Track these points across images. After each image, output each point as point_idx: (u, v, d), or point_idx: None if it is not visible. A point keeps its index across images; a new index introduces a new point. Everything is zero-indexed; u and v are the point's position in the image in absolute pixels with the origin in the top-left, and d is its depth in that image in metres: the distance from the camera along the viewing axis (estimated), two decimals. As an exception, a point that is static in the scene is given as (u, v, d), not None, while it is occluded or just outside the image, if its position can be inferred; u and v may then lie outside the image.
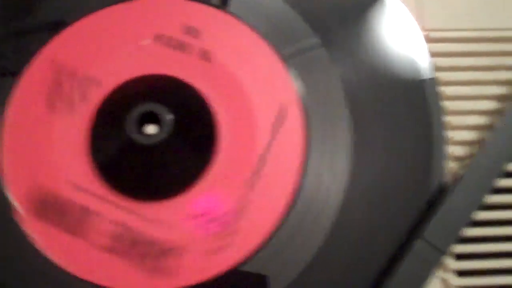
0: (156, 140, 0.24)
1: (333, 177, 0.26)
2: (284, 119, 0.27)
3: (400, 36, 0.28)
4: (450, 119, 0.29)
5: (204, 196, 0.25)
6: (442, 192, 0.26)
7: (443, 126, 0.27)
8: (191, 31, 0.28)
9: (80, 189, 0.26)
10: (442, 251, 0.24)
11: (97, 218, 0.25)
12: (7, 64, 0.27)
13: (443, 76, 0.30)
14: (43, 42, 0.27)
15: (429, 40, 0.31)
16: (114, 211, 0.25)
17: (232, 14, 0.28)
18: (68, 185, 0.26)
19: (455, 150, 0.29)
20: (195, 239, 0.25)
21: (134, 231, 0.25)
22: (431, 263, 0.24)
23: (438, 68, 0.30)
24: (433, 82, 0.27)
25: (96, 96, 0.26)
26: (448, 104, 0.30)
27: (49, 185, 0.26)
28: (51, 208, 0.25)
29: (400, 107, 0.27)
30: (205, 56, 0.27)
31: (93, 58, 0.27)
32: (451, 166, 0.29)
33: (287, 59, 0.27)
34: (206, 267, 0.25)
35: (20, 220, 0.25)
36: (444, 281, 0.27)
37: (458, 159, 0.29)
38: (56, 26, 0.28)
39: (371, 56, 0.28)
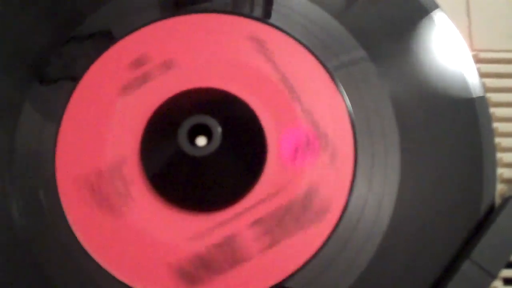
0: (206, 152, 0.25)
1: (382, 195, 0.27)
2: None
3: (449, 53, 0.29)
4: (499, 141, 0.30)
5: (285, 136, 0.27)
6: (491, 213, 0.26)
7: (494, 147, 0.27)
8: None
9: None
10: (490, 273, 0.24)
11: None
12: (67, 70, 0.29)
13: (493, 97, 0.30)
14: (100, 51, 0.29)
15: (478, 60, 0.31)
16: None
17: (278, 27, 0.29)
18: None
19: (504, 172, 0.29)
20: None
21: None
22: (479, 285, 0.24)
23: (487, 89, 0.30)
24: (484, 100, 0.28)
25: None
26: (497, 126, 0.30)
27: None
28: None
29: (450, 126, 0.28)
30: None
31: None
32: (500, 188, 0.29)
33: (334, 72, 0.28)
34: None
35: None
36: (491, 305, 0.27)
37: (507, 181, 0.29)
38: (108, 36, 0.30)
39: (419, 72, 0.29)
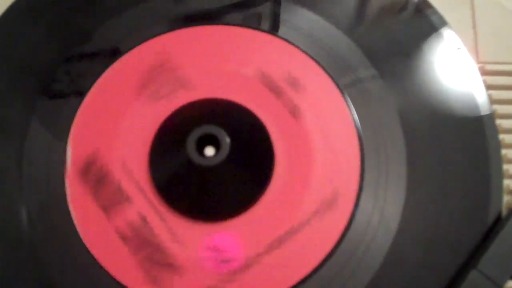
0: (214, 162, 0.26)
1: (389, 209, 0.27)
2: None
3: (457, 70, 0.30)
4: (506, 152, 0.30)
5: (228, 235, 0.27)
6: (498, 224, 0.26)
7: (500, 158, 0.28)
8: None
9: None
10: (496, 283, 0.24)
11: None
12: (73, 83, 0.30)
13: (499, 109, 0.31)
14: (106, 65, 0.30)
15: (484, 73, 0.32)
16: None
17: (290, 42, 0.30)
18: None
19: (510, 184, 0.30)
20: (200, 267, 0.26)
21: (152, 233, 0.27)
22: (485, 295, 0.24)
23: (493, 101, 0.31)
24: (491, 116, 0.29)
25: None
26: (504, 137, 0.30)
27: (103, 158, 0.28)
28: (93, 173, 0.28)
29: (457, 140, 0.28)
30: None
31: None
32: (507, 199, 0.29)
33: (344, 88, 0.29)
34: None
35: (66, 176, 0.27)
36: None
37: (514, 193, 0.30)
38: (115, 52, 0.30)
39: (427, 89, 0.29)
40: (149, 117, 0.29)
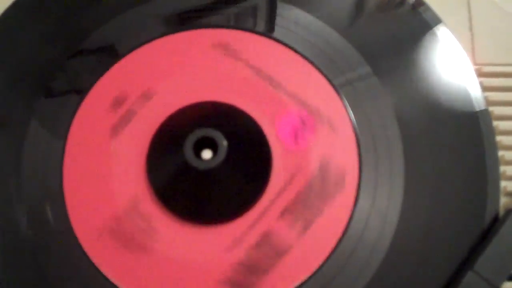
0: (211, 165, 0.27)
1: (386, 209, 0.28)
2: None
3: (452, 67, 0.30)
4: (503, 154, 0.30)
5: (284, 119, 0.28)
6: (494, 226, 0.27)
7: (497, 160, 0.28)
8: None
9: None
10: (493, 285, 0.25)
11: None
12: (72, 83, 0.30)
13: (496, 110, 0.31)
14: (106, 65, 0.30)
15: (481, 74, 0.32)
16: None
17: (284, 42, 0.30)
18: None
19: (508, 186, 0.30)
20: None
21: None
22: (482, 297, 0.25)
23: (490, 103, 0.31)
24: (487, 113, 0.29)
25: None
26: (501, 139, 0.31)
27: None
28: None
29: (454, 139, 0.29)
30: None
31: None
32: (504, 201, 0.30)
33: (340, 88, 0.29)
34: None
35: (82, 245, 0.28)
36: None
37: (510, 194, 0.30)
38: (114, 52, 0.31)
39: (423, 87, 0.30)
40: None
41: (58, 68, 0.30)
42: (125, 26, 0.31)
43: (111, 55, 0.31)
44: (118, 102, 0.29)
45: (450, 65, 0.30)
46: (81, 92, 0.30)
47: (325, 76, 0.30)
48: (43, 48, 0.31)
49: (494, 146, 0.29)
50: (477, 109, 0.29)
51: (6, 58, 0.31)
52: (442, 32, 0.31)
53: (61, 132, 0.29)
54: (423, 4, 0.31)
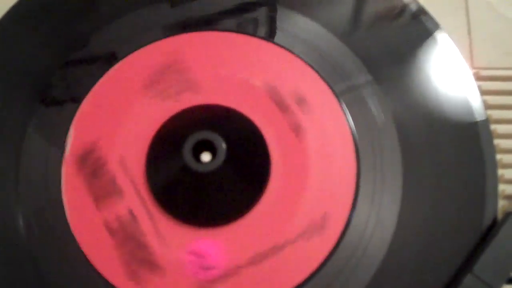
0: (209, 168, 0.27)
1: (385, 213, 0.28)
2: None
3: (451, 74, 0.30)
4: (501, 157, 0.31)
5: (213, 242, 0.27)
6: (493, 229, 0.27)
7: (495, 163, 0.28)
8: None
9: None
10: (492, 287, 0.25)
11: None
12: (69, 90, 0.30)
13: (494, 114, 0.32)
14: (103, 71, 0.30)
15: (479, 78, 0.32)
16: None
17: (286, 48, 0.31)
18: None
19: (506, 189, 0.30)
20: (180, 270, 0.27)
21: (138, 230, 0.27)
22: (481, 300, 0.25)
23: (488, 106, 0.31)
24: (486, 122, 0.29)
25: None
26: (499, 143, 0.31)
27: (101, 149, 0.28)
28: (90, 163, 0.28)
29: (452, 145, 0.29)
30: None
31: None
32: (502, 204, 0.30)
33: (340, 94, 0.30)
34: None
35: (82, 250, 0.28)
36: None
37: (509, 197, 0.30)
38: (111, 57, 0.31)
39: (423, 94, 0.30)
40: (153, 115, 0.29)
41: (56, 75, 0.31)
42: (122, 33, 0.31)
43: (108, 61, 0.31)
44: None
45: (450, 73, 0.30)
46: (79, 99, 0.30)
47: (326, 82, 0.30)
48: (41, 55, 0.31)
49: (492, 150, 0.29)
50: (476, 115, 0.29)
51: (3, 65, 0.31)
52: (441, 40, 0.31)
53: (59, 138, 0.29)
54: (424, 12, 0.32)
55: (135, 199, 0.28)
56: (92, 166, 0.28)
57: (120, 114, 0.29)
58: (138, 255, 0.27)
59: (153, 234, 0.27)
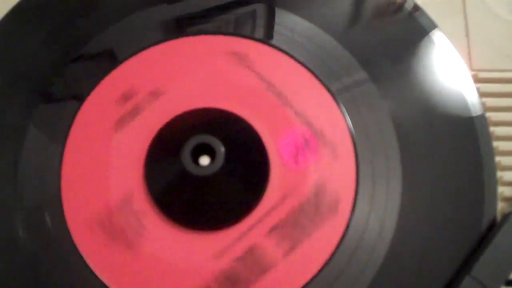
0: (211, 171, 0.27)
1: (383, 214, 0.28)
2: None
3: (448, 72, 0.30)
4: (500, 160, 0.31)
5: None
6: (492, 231, 0.27)
7: (494, 165, 0.29)
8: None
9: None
10: (490, 290, 0.25)
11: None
12: (70, 89, 0.31)
13: (493, 116, 0.32)
14: (104, 71, 0.31)
15: (478, 80, 0.32)
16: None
17: (281, 49, 0.31)
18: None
19: (504, 191, 0.30)
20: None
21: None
22: (480, 302, 0.25)
23: (487, 109, 0.32)
24: (483, 118, 0.29)
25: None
26: (497, 145, 0.31)
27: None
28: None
29: (451, 145, 0.29)
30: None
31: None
32: (501, 206, 0.30)
33: (337, 94, 0.30)
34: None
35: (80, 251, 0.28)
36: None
37: (507, 199, 0.30)
38: (112, 57, 0.31)
39: (420, 93, 0.30)
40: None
41: (57, 73, 0.31)
42: (124, 32, 0.31)
43: (110, 60, 0.31)
44: (118, 107, 0.30)
45: (447, 70, 0.30)
46: (80, 97, 0.30)
47: (322, 82, 0.30)
48: (42, 54, 0.31)
49: (491, 152, 0.29)
50: (474, 114, 0.30)
51: (5, 63, 0.31)
52: (438, 38, 0.31)
53: (59, 137, 0.29)
54: (419, 10, 0.32)
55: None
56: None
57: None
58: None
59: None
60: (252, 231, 0.28)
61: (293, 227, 0.28)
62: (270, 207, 0.28)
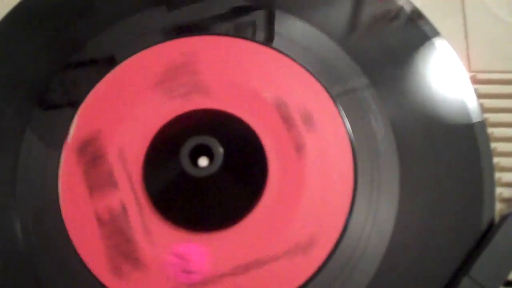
0: (209, 172, 0.27)
1: (382, 216, 0.28)
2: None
3: (448, 79, 0.31)
4: (498, 161, 0.31)
5: (198, 247, 0.28)
6: (490, 232, 0.27)
7: (492, 167, 0.29)
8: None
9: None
10: (488, 291, 0.25)
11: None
12: (67, 93, 0.31)
13: (491, 117, 0.32)
14: (101, 75, 0.31)
15: (476, 81, 0.33)
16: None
17: (282, 52, 0.31)
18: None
19: (503, 192, 0.30)
20: (162, 270, 0.27)
21: (127, 224, 0.28)
22: (478, 303, 0.25)
23: (485, 110, 0.32)
24: (483, 124, 0.29)
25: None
26: (496, 146, 0.31)
27: (103, 140, 0.29)
28: (90, 152, 0.29)
29: (450, 148, 0.29)
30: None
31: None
32: (499, 207, 0.30)
33: (336, 97, 0.30)
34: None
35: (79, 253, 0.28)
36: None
37: (506, 200, 0.30)
38: (109, 61, 0.31)
39: (420, 97, 0.30)
40: (158, 114, 0.30)
41: (54, 77, 0.31)
42: (120, 36, 0.32)
43: (106, 65, 0.31)
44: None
45: (446, 76, 0.31)
46: (77, 102, 0.30)
47: (322, 85, 0.30)
48: (39, 58, 0.31)
49: (490, 153, 0.29)
50: (472, 116, 0.30)
51: (1, 68, 0.31)
52: (438, 43, 0.31)
53: (57, 142, 0.29)
54: (420, 15, 0.32)
55: (129, 194, 0.28)
56: (91, 156, 0.29)
57: (125, 110, 0.30)
58: (123, 250, 0.27)
59: (141, 231, 0.28)
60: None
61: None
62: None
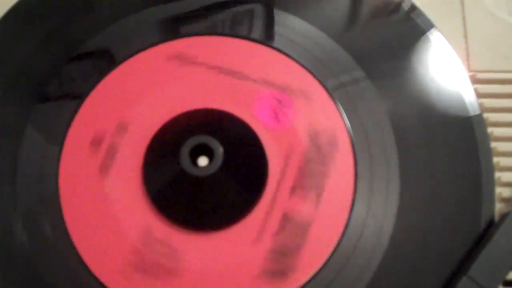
0: (206, 172, 0.27)
1: (381, 214, 0.28)
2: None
3: (445, 71, 0.31)
4: (498, 160, 0.31)
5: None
6: (489, 231, 0.27)
7: (492, 166, 0.29)
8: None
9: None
10: (487, 290, 0.25)
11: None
12: (68, 89, 0.31)
13: (491, 117, 0.32)
14: (103, 71, 0.31)
15: (476, 81, 0.33)
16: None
17: (279, 49, 0.31)
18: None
19: (502, 191, 0.31)
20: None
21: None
22: (477, 302, 0.25)
23: (485, 109, 0.32)
24: (481, 118, 0.30)
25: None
26: (496, 145, 0.31)
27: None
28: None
29: (449, 144, 0.29)
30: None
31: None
32: (499, 207, 0.30)
33: (334, 92, 0.30)
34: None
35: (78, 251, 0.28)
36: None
37: (505, 200, 0.30)
38: (110, 57, 0.31)
39: (416, 91, 0.30)
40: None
41: (55, 74, 0.31)
42: (121, 33, 0.32)
43: (107, 61, 0.31)
44: (117, 108, 0.30)
45: (444, 70, 0.31)
46: (78, 98, 0.30)
47: (319, 80, 0.30)
48: (40, 54, 0.31)
49: (489, 152, 0.29)
50: (472, 114, 0.30)
51: (2, 64, 0.31)
52: (435, 37, 0.31)
53: (57, 138, 0.30)
54: (417, 9, 0.32)
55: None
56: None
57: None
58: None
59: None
60: (275, 203, 0.28)
61: (309, 177, 0.28)
62: (279, 178, 0.28)
